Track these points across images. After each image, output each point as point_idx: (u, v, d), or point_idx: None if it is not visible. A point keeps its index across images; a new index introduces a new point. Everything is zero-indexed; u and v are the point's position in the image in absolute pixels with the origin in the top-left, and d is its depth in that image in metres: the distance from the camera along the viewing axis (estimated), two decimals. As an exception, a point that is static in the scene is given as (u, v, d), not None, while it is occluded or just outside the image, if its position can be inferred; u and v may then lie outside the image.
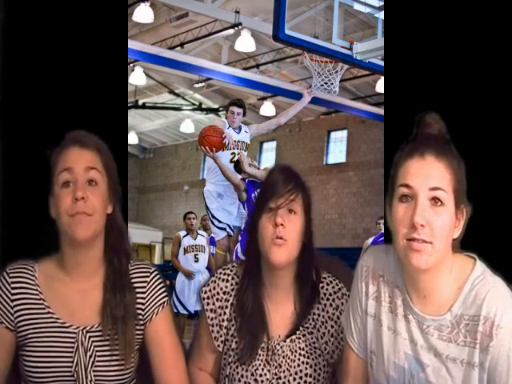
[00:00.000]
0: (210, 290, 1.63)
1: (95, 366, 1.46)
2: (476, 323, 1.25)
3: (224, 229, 5.19)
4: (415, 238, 1.24)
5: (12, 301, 1.47)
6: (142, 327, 1.52)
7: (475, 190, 1.34)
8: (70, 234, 1.43)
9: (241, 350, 1.56)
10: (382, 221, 6.81)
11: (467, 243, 1.34)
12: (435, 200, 1.26)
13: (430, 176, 1.27)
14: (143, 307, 1.53)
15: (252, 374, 1.55)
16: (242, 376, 1.55)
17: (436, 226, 1.25)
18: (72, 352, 1.46)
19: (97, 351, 1.47)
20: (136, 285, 1.53)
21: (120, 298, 1.49)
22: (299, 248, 1.56)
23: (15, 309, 1.47)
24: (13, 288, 1.47)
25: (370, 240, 7.27)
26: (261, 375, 1.54)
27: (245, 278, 1.61)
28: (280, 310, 1.59)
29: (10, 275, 1.48)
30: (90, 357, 1.46)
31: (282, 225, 1.51)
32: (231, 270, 1.65)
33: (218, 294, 1.62)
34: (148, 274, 1.55)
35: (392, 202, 1.30)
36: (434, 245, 1.25)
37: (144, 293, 1.53)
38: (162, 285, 1.57)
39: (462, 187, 1.30)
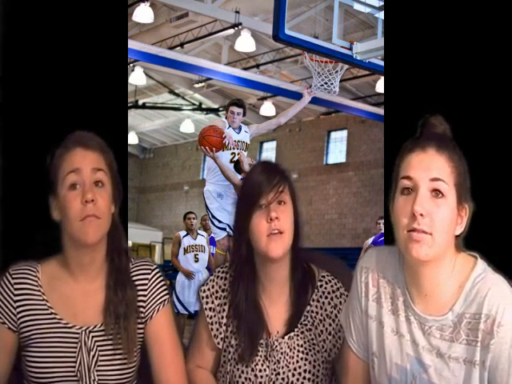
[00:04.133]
0: (208, 289, 1.63)
1: (98, 366, 1.46)
2: (477, 321, 1.25)
3: (224, 229, 5.19)
4: (415, 228, 1.25)
5: (15, 302, 1.47)
6: (143, 325, 1.53)
7: (479, 191, 1.33)
8: (81, 238, 1.43)
9: (241, 349, 1.56)
10: (381, 221, 6.81)
11: (471, 242, 1.34)
12: (436, 192, 1.26)
13: (430, 168, 1.28)
14: (144, 304, 1.53)
15: (252, 370, 1.56)
16: (243, 372, 1.56)
17: (436, 217, 1.25)
18: (75, 352, 1.46)
19: (100, 351, 1.47)
20: (137, 282, 1.53)
21: (122, 295, 1.49)
22: (293, 237, 1.56)
23: (18, 310, 1.47)
24: (16, 289, 1.47)
25: (370, 240, 7.27)
26: (260, 371, 1.55)
27: (236, 280, 1.60)
28: (277, 304, 1.60)
29: (13, 276, 1.48)
30: (93, 357, 1.46)
31: (276, 218, 1.51)
32: (229, 268, 1.65)
33: (216, 292, 1.62)
34: (149, 272, 1.56)
35: (394, 196, 1.31)
36: (434, 236, 1.25)
37: (145, 290, 1.53)
38: (163, 283, 1.57)
39: (463, 182, 1.30)
